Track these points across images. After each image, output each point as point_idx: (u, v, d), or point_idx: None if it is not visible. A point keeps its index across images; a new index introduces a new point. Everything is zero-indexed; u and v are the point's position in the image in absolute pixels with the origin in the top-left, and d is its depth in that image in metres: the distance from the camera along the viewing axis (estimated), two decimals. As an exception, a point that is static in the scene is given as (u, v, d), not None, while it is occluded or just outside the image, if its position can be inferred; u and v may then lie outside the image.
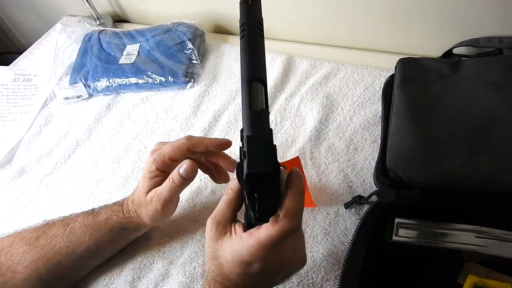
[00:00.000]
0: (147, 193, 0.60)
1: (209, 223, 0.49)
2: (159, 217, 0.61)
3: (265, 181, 0.40)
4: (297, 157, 0.66)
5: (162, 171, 0.60)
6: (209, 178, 0.76)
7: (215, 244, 0.48)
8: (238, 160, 0.45)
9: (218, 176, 0.64)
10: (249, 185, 0.40)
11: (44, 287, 0.62)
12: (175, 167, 0.60)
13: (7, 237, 0.64)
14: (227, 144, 0.59)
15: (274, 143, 0.41)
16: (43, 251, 0.61)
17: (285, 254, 0.47)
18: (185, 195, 0.75)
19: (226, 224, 0.49)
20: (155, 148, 0.62)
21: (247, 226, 0.48)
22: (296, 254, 0.49)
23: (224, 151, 0.61)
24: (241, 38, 0.44)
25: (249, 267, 0.46)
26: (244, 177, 0.39)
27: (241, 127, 0.44)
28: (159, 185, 0.60)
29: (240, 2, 0.46)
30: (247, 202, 0.43)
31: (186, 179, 0.57)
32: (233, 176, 0.52)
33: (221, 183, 0.64)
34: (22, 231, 0.65)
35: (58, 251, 0.61)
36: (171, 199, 0.59)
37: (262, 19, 0.45)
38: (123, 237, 0.66)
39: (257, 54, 0.44)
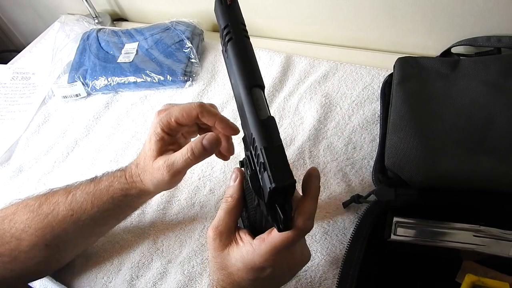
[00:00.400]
0: (155, 158, 0.56)
1: (211, 234, 0.49)
2: (165, 186, 0.58)
3: (289, 192, 0.40)
4: None
5: (167, 133, 0.56)
6: (208, 177, 0.76)
7: (221, 255, 0.48)
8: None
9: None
10: (274, 197, 0.40)
11: (51, 253, 0.61)
12: (180, 132, 0.58)
13: (9, 206, 0.64)
14: (236, 131, 0.56)
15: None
16: (47, 219, 0.60)
17: (297, 254, 0.48)
18: (183, 193, 0.75)
19: (230, 233, 0.48)
20: (163, 108, 0.58)
21: (253, 232, 0.48)
22: (304, 252, 0.50)
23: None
24: (227, 41, 0.43)
25: (262, 272, 0.46)
26: (269, 190, 0.38)
27: (245, 135, 0.44)
28: (166, 150, 0.57)
29: (216, 1, 0.44)
30: (265, 213, 0.43)
31: (208, 151, 0.53)
32: (231, 183, 0.51)
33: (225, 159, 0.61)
34: (25, 199, 0.63)
35: (62, 219, 0.60)
36: (183, 171, 0.56)
37: (243, 19, 0.44)
38: (126, 204, 0.63)
39: (250, 59, 0.43)
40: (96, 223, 0.62)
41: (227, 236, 0.48)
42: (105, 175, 0.63)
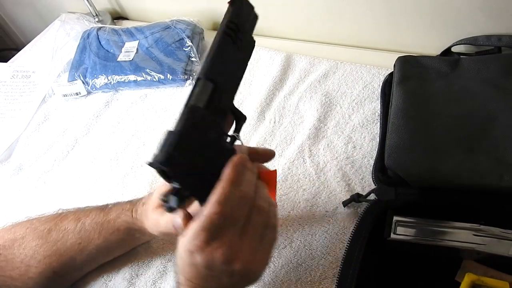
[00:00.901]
0: (155, 209, 0.55)
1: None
2: (161, 236, 0.60)
3: (167, 167, 0.39)
4: (275, 170, 0.60)
5: None
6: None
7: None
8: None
9: None
10: (163, 175, 0.40)
11: (58, 279, 0.62)
12: None
13: (19, 225, 0.64)
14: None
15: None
16: (55, 246, 0.61)
17: (232, 246, 0.43)
18: (183, 192, 0.75)
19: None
20: None
21: None
22: (256, 256, 0.45)
23: None
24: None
25: (193, 257, 0.42)
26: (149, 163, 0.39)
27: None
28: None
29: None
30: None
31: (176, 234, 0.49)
32: None
33: None
34: (34, 220, 0.64)
35: (70, 247, 0.61)
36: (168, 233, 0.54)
37: (240, 18, 0.45)
38: (130, 238, 0.63)
39: (218, 53, 0.43)
40: (101, 253, 0.64)
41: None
42: (116, 206, 0.63)
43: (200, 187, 0.43)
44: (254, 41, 0.49)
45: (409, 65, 0.71)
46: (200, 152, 0.42)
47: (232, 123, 0.49)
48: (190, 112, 0.41)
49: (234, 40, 0.45)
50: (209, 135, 0.42)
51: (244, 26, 0.46)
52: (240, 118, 0.49)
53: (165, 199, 0.43)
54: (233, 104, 0.48)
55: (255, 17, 0.48)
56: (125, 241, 0.64)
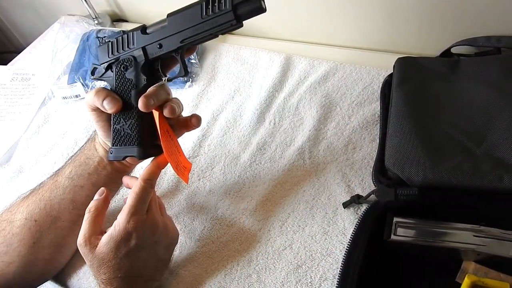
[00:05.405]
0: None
1: (81, 241, 0.55)
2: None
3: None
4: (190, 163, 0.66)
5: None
6: (207, 177, 0.76)
7: (95, 254, 0.54)
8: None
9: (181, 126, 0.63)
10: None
11: (40, 230, 0.63)
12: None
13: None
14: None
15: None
16: (34, 198, 0.66)
17: (155, 220, 0.57)
18: (183, 194, 0.75)
19: (97, 235, 0.56)
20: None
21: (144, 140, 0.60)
22: (168, 223, 0.60)
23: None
24: None
25: (129, 241, 0.54)
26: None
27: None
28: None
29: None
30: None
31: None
32: (96, 197, 0.60)
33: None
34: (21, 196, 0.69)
35: (46, 189, 0.66)
36: None
37: None
38: (97, 173, 0.66)
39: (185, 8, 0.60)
40: (71, 185, 0.65)
41: (94, 239, 0.55)
42: (78, 155, 0.69)
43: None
44: (239, 24, 0.57)
45: (408, 66, 0.71)
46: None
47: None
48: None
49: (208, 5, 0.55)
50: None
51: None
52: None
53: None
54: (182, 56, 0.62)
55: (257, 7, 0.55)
56: (86, 171, 0.66)
